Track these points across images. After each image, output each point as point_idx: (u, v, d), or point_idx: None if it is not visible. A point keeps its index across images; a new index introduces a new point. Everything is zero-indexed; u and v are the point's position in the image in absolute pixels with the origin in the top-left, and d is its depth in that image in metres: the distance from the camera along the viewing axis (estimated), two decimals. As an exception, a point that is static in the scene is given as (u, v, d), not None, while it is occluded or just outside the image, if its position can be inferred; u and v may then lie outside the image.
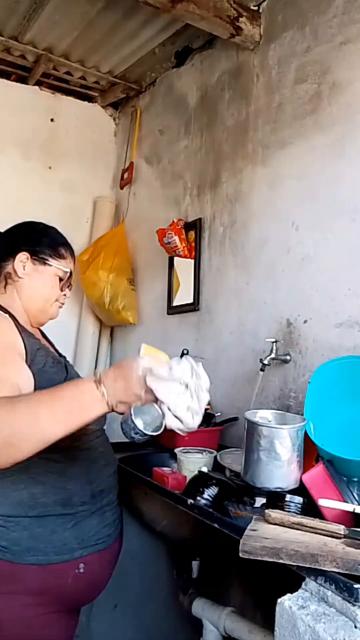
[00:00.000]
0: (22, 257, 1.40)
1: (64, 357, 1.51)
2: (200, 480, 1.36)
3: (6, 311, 1.31)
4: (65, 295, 1.50)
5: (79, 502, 1.30)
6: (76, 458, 1.32)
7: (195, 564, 1.89)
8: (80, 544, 1.29)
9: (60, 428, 0.95)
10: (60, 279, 1.47)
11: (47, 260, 1.44)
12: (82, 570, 1.29)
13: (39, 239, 1.45)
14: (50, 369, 1.29)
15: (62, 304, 1.51)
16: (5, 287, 1.41)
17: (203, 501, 1.30)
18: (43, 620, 1.27)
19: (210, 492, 1.32)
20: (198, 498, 1.31)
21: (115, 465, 1.48)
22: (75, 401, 0.98)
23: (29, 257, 1.41)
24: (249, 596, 1.87)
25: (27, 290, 1.41)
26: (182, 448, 1.68)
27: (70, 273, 1.50)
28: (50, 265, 1.44)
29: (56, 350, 1.51)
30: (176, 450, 1.64)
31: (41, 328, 1.53)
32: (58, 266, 1.45)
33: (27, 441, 0.94)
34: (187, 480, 1.42)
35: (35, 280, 1.41)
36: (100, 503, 1.35)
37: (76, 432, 0.99)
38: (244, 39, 2.17)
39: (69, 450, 1.28)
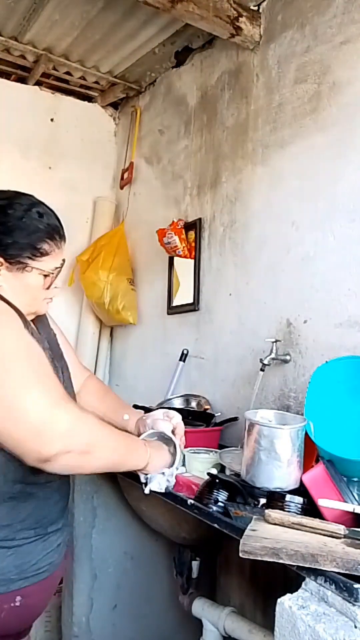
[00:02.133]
0: None
1: (55, 336, 1.42)
2: (213, 485, 1.35)
3: (8, 302, 1.18)
4: (56, 287, 1.29)
5: (21, 537, 1.20)
6: (31, 494, 1.21)
7: (195, 564, 1.90)
8: (20, 574, 1.17)
9: (129, 466, 1.25)
10: (47, 275, 1.25)
11: (26, 264, 1.21)
12: (18, 604, 1.17)
13: (11, 237, 1.19)
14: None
15: (52, 298, 1.31)
16: None
17: (216, 508, 1.29)
18: None
19: (222, 497, 1.31)
20: (210, 505, 1.31)
21: (67, 495, 1.35)
22: (140, 452, 1.26)
23: (3, 262, 1.19)
24: (249, 596, 1.88)
25: (8, 295, 1.19)
26: (190, 449, 1.68)
27: (60, 265, 1.27)
28: (31, 270, 1.22)
29: (49, 342, 1.39)
30: (185, 450, 1.65)
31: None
32: (40, 267, 1.22)
33: (117, 466, 1.23)
34: (200, 484, 1.40)
35: (15, 287, 1.20)
36: (44, 531, 1.24)
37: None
38: (243, 39, 2.17)
39: (24, 487, 1.18)
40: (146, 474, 1.32)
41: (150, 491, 1.33)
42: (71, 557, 1.96)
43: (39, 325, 1.37)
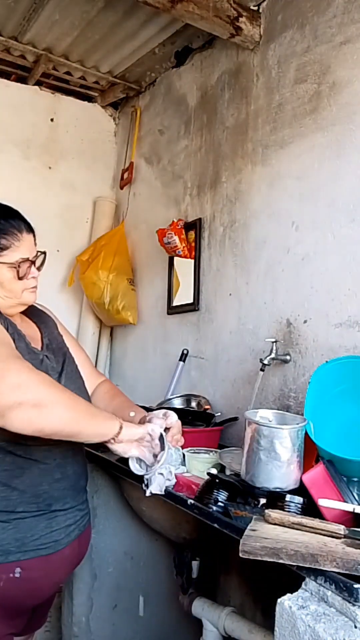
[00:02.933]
0: None
1: (61, 338, 1.49)
2: (213, 485, 1.34)
3: None
4: (34, 277, 1.35)
5: (21, 509, 1.25)
6: (24, 470, 1.25)
7: (195, 564, 1.90)
8: (19, 547, 1.23)
9: (94, 429, 1.22)
10: (15, 267, 1.30)
11: None
12: (17, 575, 1.22)
13: None
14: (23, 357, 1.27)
15: (35, 287, 1.37)
16: None
17: (215, 508, 1.29)
18: None
19: (222, 497, 1.31)
20: (210, 505, 1.30)
21: (75, 476, 1.38)
22: (107, 417, 1.26)
23: None
24: (249, 596, 1.88)
25: None
26: (190, 449, 1.67)
27: (25, 258, 1.32)
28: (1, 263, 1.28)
29: (44, 337, 1.44)
30: (185, 450, 1.64)
31: (44, 310, 1.52)
32: (5, 261, 1.29)
33: (69, 430, 1.17)
34: (200, 484, 1.40)
35: None
36: (47, 509, 1.28)
37: (30, 442, 1.20)
38: (243, 39, 2.17)
39: (17, 462, 1.23)
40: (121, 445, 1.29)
41: (152, 494, 1.34)
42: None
43: (40, 324, 1.45)
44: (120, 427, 1.24)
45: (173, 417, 1.43)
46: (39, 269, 1.38)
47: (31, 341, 1.37)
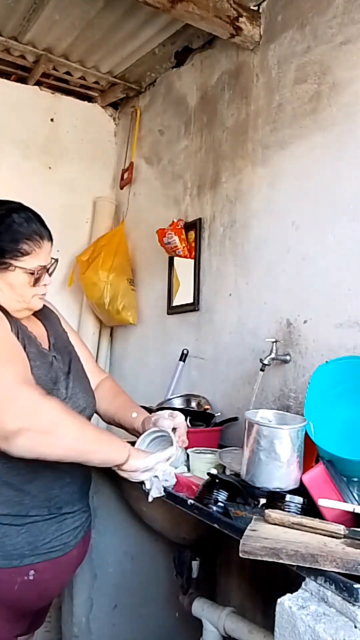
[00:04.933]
0: None
1: (66, 335, 1.50)
2: (212, 485, 1.34)
3: None
4: (45, 285, 1.35)
5: (34, 514, 1.27)
6: (37, 474, 1.26)
7: (195, 564, 1.90)
8: (32, 550, 1.25)
9: (102, 457, 1.23)
10: (32, 273, 1.30)
11: (9, 264, 1.27)
12: (31, 578, 1.25)
13: None
14: (31, 361, 1.28)
15: (44, 294, 1.37)
16: None
17: (215, 508, 1.29)
18: None
19: (222, 497, 1.31)
20: (210, 505, 1.30)
21: (83, 479, 1.41)
22: (116, 444, 1.24)
23: None
24: (249, 596, 1.87)
25: (2, 299, 1.30)
26: (194, 449, 1.68)
27: (43, 266, 1.33)
28: (15, 269, 1.28)
29: (50, 336, 1.44)
30: (188, 450, 1.65)
31: (47, 304, 1.50)
32: (24, 266, 1.28)
33: (75, 457, 1.19)
34: (200, 485, 1.40)
35: (1, 285, 1.29)
36: (59, 511, 1.31)
37: None
38: (243, 39, 2.17)
39: (31, 466, 1.23)
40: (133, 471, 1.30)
41: (153, 498, 1.35)
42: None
43: (45, 323, 1.46)
44: (128, 457, 1.23)
45: (180, 418, 1.44)
46: (50, 275, 1.38)
47: (40, 342, 1.38)
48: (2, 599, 1.25)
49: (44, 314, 1.48)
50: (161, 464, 1.31)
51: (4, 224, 1.28)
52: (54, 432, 1.12)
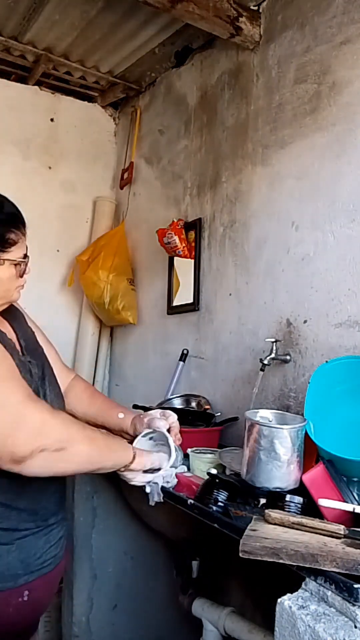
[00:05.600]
0: None
1: (33, 335, 1.38)
2: (212, 485, 1.34)
3: None
4: (26, 274, 1.29)
5: (23, 527, 1.22)
6: (24, 489, 1.20)
7: (195, 564, 1.90)
8: (25, 568, 1.19)
9: (112, 461, 1.22)
10: (18, 264, 1.24)
11: None
12: (25, 598, 1.19)
13: None
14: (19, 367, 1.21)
15: (23, 285, 1.30)
16: None
17: (215, 508, 1.29)
18: None
19: (222, 497, 1.31)
20: (210, 505, 1.30)
21: (62, 485, 1.35)
22: (121, 447, 1.26)
23: None
24: (249, 596, 1.87)
25: None
26: (195, 448, 1.68)
27: (25, 255, 1.26)
28: (3, 262, 1.21)
29: (20, 338, 1.32)
30: (189, 450, 1.65)
31: (17, 307, 1.40)
32: (11, 257, 1.21)
33: (89, 468, 1.20)
34: (200, 485, 1.40)
35: None
36: (45, 523, 1.26)
37: None
38: (243, 39, 2.17)
39: (16, 482, 1.16)
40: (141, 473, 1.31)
41: (155, 502, 1.36)
42: (71, 557, 1.96)
43: (13, 324, 1.33)
44: (134, 457, 1.24)
45: (173, 417, 1.43)
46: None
47: (17, 348, 1.28)
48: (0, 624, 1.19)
49: (11, 314, 1.34)
50: (165, 463, 1.32)
51: None
52: (67, 449, 1.09)
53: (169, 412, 1.46)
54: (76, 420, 1.19)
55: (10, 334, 1.29)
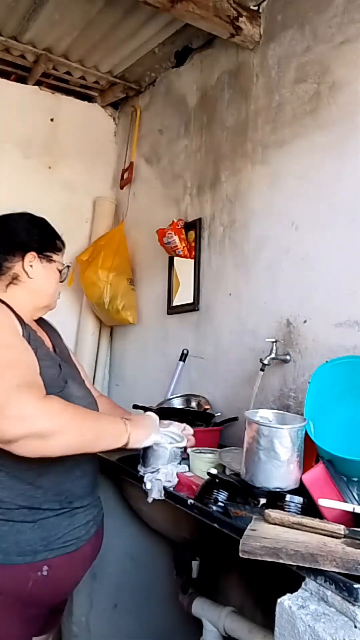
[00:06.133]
0: (30, 257, 1.42)
1: (67, 351, 1.57)
2: (212, 485, 1.35)
3: (3, 302, 1.33)
4: (62, 281, 1.53)
5: (46, 507, 1.29)
6: (48, 468, 1.29)
7: (195, 564, 1.90)
8: (46, 546, 1.26)
9: (103, 446, 1.28)
10: (59, 271, 1.50)
11: (51, 257, 1.47)
12: (45, 573, 1.26)
13: (41, 236, 1.47)
14: (43, 362, 1.30)
15: (59, 294, 1.55)
16: (7, 287, 1.41)
17: (215, 508, 1.29)
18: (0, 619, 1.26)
19: (222, 497, 1.31)
20: (210, 505, 1.30)
21: (93, 473, 1.45)
22: (115, 430, 1.30)
23: (36, 256, 1.43)
24: (249, 596, 1.87)
25: (37, 289, 1.44)
26: (195, 448, 1.68)
27: (67, 265, 1.54)
28: (55, 262, 1.48)
29: (55, 346, 1.50)
30: (189, 450, 1.65)
31: (50, 323, 1.59)
32: (60, 260, 1.50)
33: (85, 449, 1.24)
34: (200, 484, 1.41)
35: (43, 279, 1.45)
36: (69, 506, 1.33)
37: None
38: (243, 38, 2.17)
39: (40, 461, 1.23)
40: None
41: (153, 500, 1.39)
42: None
43: (52, 336, 1.53)
44: (128, 438, 1.31)
45: (190, 429, 1.60)
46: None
47: (48, 346, 1.44)
48: (17, 597, 1.25)
49: (49, 329, 1.55)
50: (165, 437, 1.41)
51: (43, 226, 1.51)
52: (52, 438, 1.13)
53: (189, 426, 1.60)
54: (68, 405, 1.22)
55: (45, 338, 1.47)
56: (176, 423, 1.57)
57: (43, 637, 1.50)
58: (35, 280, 1.43)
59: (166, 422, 1.55)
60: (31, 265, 1.42)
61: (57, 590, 1.35)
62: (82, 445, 1.22)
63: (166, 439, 1.44)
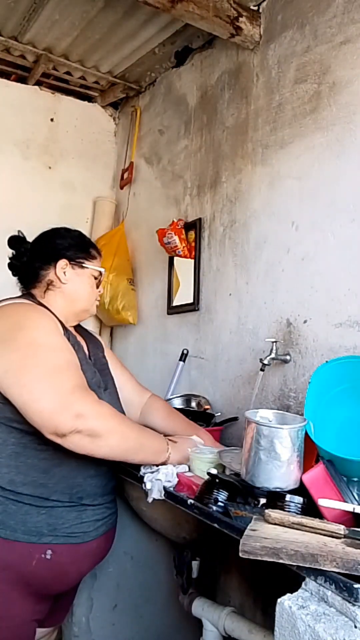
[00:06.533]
0: (62, 263, 1.53)
1: (105, 360, 1.66)
2: (212, 485, 1.35)
3: (44, 307, 1.47)
4: (99, 291, 1.63)
5: (55, 498, 1.37)
6: (63, 460, 1.37)
7: (195, 564, 1.89)
8: (51, 531, 1.34)
9: (142, 458, 1.43)
10: (95, 278, 1.60)
11: (83, 263, 1.58)
12: (48, 557, 1.33)
13: (73, 245, 1.58)
14: (82, 366, 1.42)
15: (97, 300, 1.64)
16: (45, 292, 1.53)
17: (215, 508, 1.29)
18: (3, 595, 1.32)
19: (222, 497, 1.31)
20: (210, 505, 1.30)
21: (108, 475, 1.50)
22: (157, 448, 1.46)
23: (68, 262, 1.54)
24: (249, 596, 1.88)
25: (71, 294, 1.54)
26: (194, 448, 1.68)
27: (101, 272, 1.64)
28: (87, 268, 1.58)
29: (91, 354, 1.60)
30: (189, 450, 1.65)
31: (93, 333, 1.72)
32: (93, 267, 1.60)
33: (126, 456, 1.39)
34: (200, 484, 1.41)
35: (76, 284, 1.55)
36: (78, 502, 1.40)
37: None
38: (243, 39, 2.17)
39: (58, 451, 1.32)
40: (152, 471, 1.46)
41: (153, 500, 1.41)
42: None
43: (89, 343, 1.63)
44: (168, 457, 1.47)
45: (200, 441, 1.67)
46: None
47: (85, 352, 1.55)
48: (21, 575, 1.32)
49: (89, 338, 1.66)
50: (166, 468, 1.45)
51: (77, 236, 1.63)
52: (101, 437, 1.28)
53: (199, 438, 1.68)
54: (122, 416, 1.39)
55: (82, 343, 1.58)
56: (197, 439, 1.66)
57: (47, 629, 1.53)
58: (68, 285, 1.54)
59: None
60: (64, 272, 1.53)
61: (61, 577, 1.40)
62: (124, 452, 1.36)
63: (162, 476, 1.48)
